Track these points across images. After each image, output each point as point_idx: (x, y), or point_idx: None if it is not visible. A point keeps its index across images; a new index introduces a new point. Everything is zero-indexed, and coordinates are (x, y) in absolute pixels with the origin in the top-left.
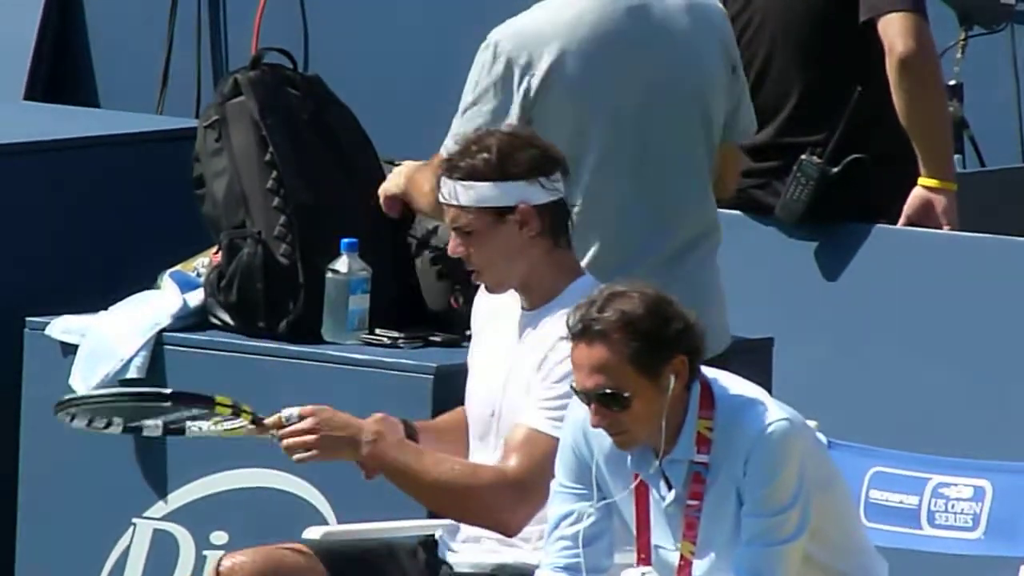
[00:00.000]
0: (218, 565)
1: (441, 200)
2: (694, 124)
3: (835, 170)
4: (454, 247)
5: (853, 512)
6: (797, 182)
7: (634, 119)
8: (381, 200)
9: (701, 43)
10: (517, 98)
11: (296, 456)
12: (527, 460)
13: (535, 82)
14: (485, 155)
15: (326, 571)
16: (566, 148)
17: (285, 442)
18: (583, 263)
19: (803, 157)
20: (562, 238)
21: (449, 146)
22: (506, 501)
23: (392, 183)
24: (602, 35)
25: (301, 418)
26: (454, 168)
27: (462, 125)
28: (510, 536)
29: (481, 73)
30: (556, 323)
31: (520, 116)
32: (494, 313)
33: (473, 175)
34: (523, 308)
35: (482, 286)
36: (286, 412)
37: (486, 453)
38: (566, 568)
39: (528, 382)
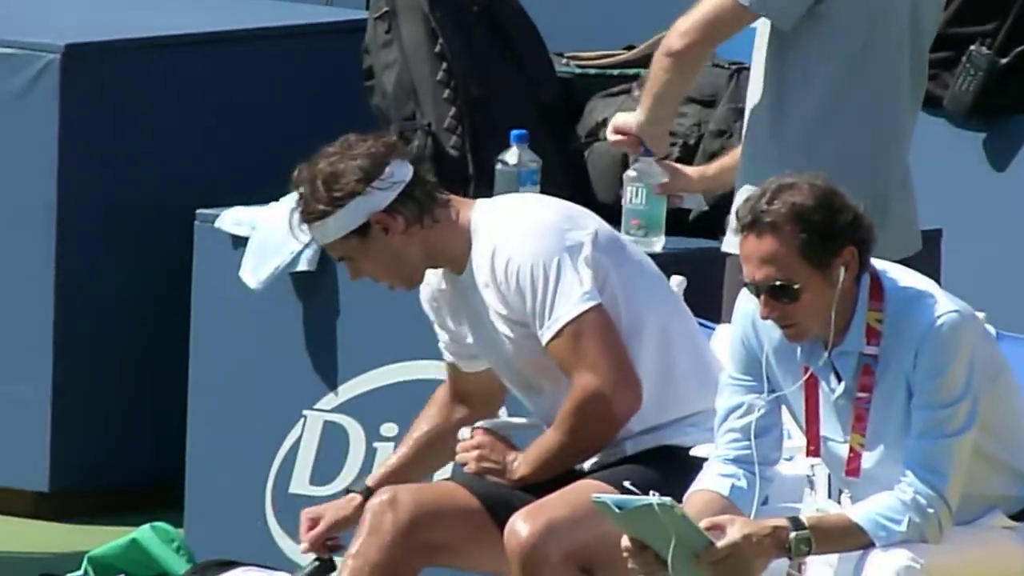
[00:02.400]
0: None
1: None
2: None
3: (1004, 61)
4: (350, 275)
5: (1021, 404)
6: (966, 73)
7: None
8: (610, 130)
9: None
10: None
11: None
12: (587, 356)
13: None
14: (313, 191)
15: (481, 506)
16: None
17: (458, 456)
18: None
19: (972, 48)
20: (434, 209)
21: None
22: (610, 403)
23: (632, 118)
24: None
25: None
26: (300, 214)
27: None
28: (640, 402)
29: None
30: (488, 267)
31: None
32: (442, 302)
33: (314, 215)
34: (456, 276)
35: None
36: (464, 431)
37: (548, 392)
38: (736, 460)
39: (519, 320)
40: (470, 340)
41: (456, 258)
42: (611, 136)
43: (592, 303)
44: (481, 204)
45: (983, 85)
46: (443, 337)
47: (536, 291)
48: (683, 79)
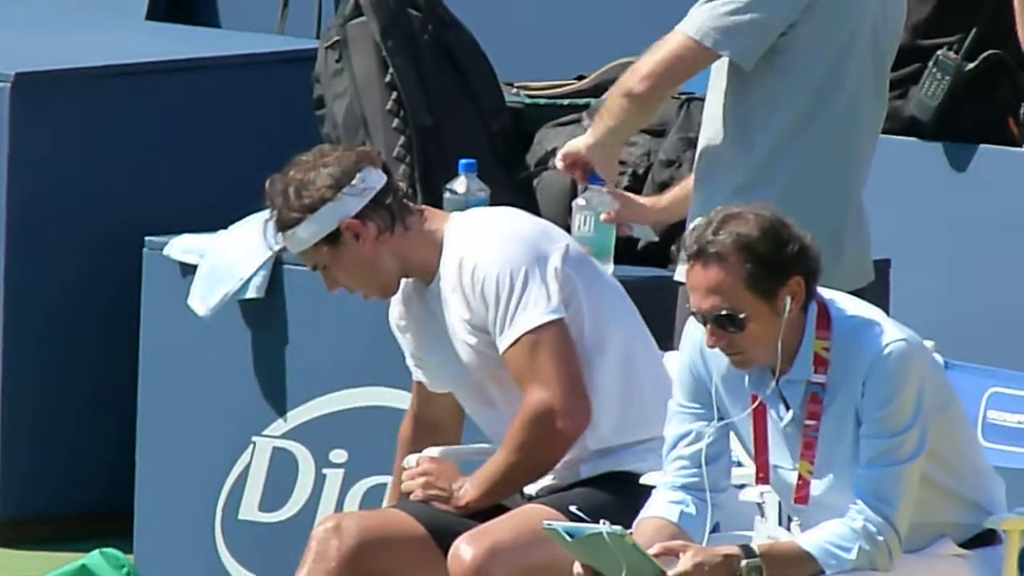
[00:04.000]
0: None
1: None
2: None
3: (971, 65)
4: (327, 285)
5: (970, 433)
6: (932, 78)
7: (871, 40)
8: (560, 157)
9: None
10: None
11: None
12: (540, 369)
13: None
14: (285, 200)
15: (426, 532)
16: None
17: (404, 484)
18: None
19: (939, 53)
20: (406, 217)
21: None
22: (559, 418)
23: (580, 143)
24: None
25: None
26: (274, 223)
27: (711, 20)
28: (589, 422)
29: None
30: (456, 272)
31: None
32: (408, 316)
33: (286, 223)
34: (424, 288)
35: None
36: (410, 458)
37: (502, 407)
38: (684, 487)
39: (480, 327)
40: (433, 355)
41: (427, 267)
42: (559, 163)
43: (554, 316)
44: (455, 215)
45: (949, 90)
46: (408, 355)
47: (500, 298)
48: (641, 119)
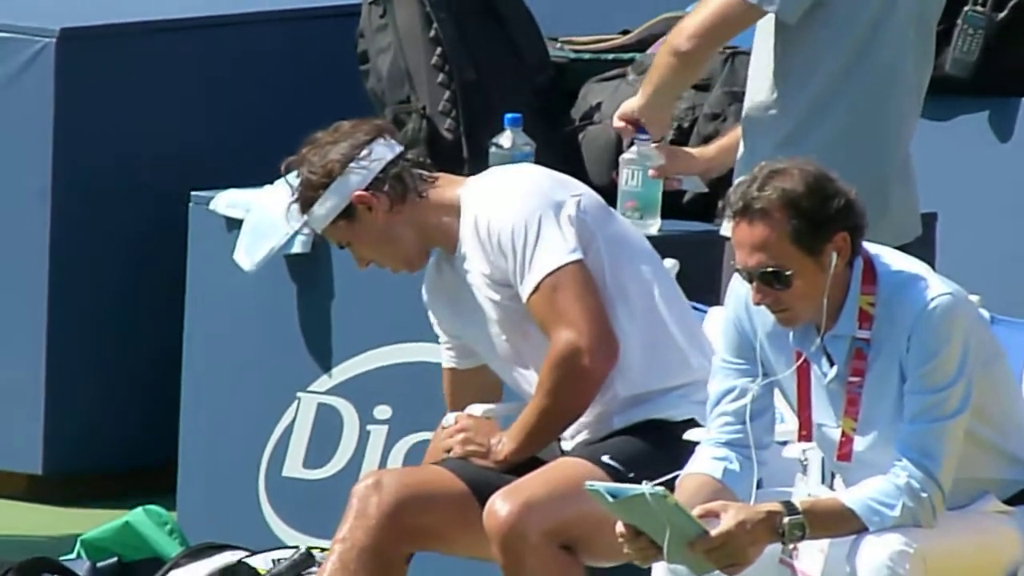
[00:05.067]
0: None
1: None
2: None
3: (1002, 15)
4: (357, 262)
5: (1016, 388)
6: (964, 34)
7: None
8: (617, 116)
9: None
10: None
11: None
12: (563, 312)
13: None
14: (301, 180)
15: (466, 488)
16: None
17: (443, 442)
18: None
19: (966, 8)
20: (420, 186)
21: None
22: (586, 357)
23: (633, 104)
24: None
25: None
26: (297, 208)
27: None
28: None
29: None
30: (473, 230)
31: None
32: (440, 288)
33: (306, 203)
34: (451, 257)
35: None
36: (448, 418)
37: (535, 367)
38: (728, 444)
39: (502, 281)
40: (467, 324)
41: (448, 234)
42: (617, 123)
43: (573, 257)
44: (470, 180)
45: (984, 43)
46: (442, 332)
47: (516, 248)
48: (689, 76)
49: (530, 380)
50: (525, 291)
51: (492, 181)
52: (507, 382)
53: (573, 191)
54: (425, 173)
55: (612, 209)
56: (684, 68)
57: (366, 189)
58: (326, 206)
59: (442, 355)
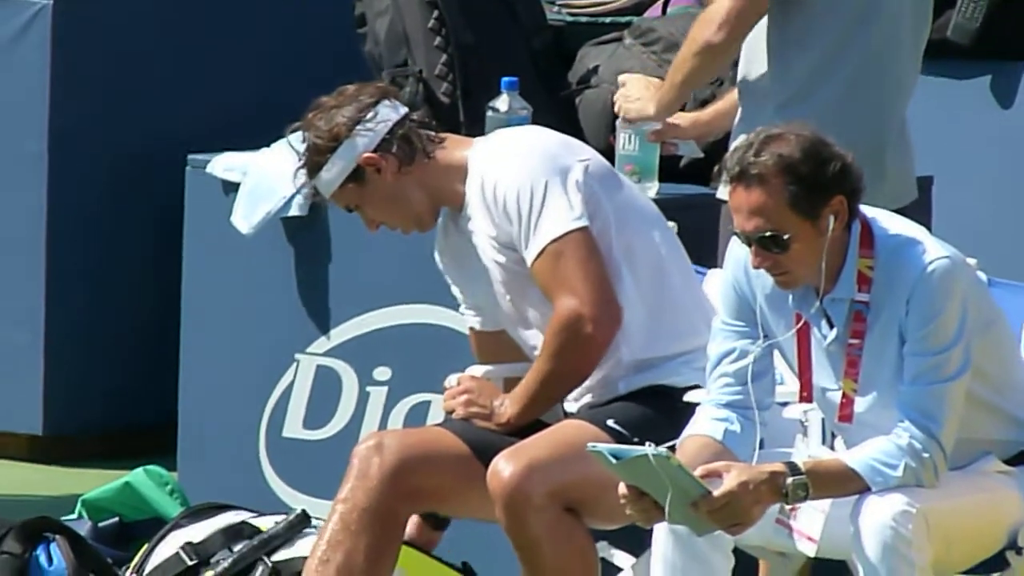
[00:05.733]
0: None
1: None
2: None
3: None
4: (367, 226)
5: (1015, 350)
6: (970, 1)
7: None
8: (619, 117)
9: None
10: None
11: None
12: (567, 278)
13: None
14: (307, 145)
15: (468, 450)
16: None
17: (445, 404)
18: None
19: None
20: (428, 147)
21: None
22: (588, 323)
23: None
24: None
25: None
26: (303, 170)
27: None
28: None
29: None
30: (479, 191)
31: None
32: (448, 249)
33: (312, 168)
34: (458, 216)
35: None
36: (450, 379)
37: (540, 329)
38: (729, 405)
39: (507, 243)
40: (475, 283)
41: (456, 195)
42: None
43: (578, 224)
44: (478, 140)
45: (987, 9)
46: (458, 292)
47: (522, 213)
48: (720, 68)
49: (533, 341)
50: (529, 256)
51: (500, 143)
52: (513, 337)
53: (581, 156)
54: (432, 134)
55: (620, 174)
56: (716, 59)
57: (374, 151)
58: (334, 170)
59: (465, 316)
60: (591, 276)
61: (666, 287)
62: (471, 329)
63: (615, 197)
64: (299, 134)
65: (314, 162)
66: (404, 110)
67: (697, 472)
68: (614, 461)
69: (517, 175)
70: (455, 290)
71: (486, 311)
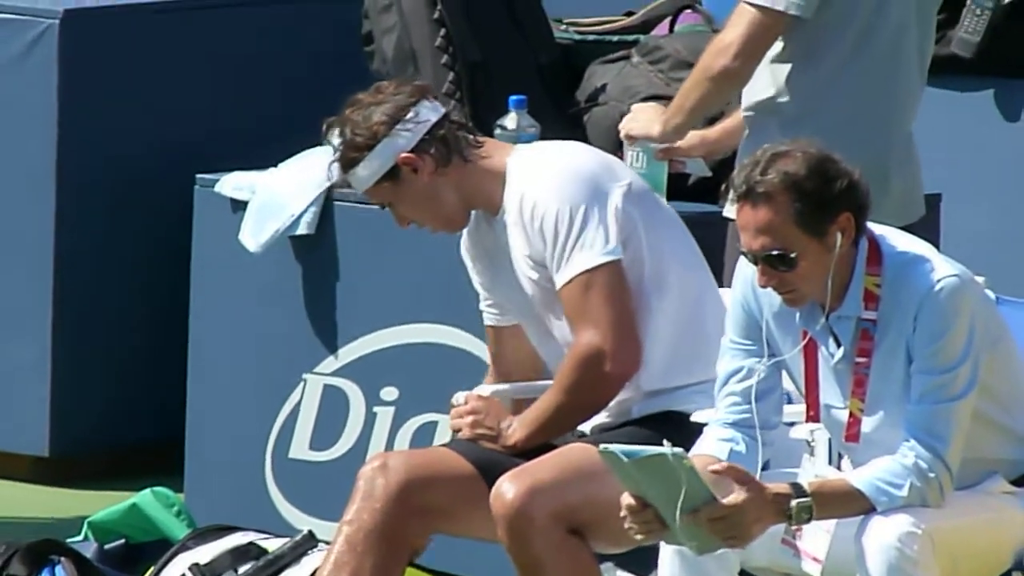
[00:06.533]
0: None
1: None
2: None
3: None
4: (397, 221)
5: (1022, 369)
6: (972, 14)
7: None
8: (623, 134)
9: None
10: None
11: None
12: (592, 311)
13: None
14: (343, 140)
15: (474, 470)
16: None
17: (452, 423)
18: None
19: None
20: (465, 149)
21: None
22: (608, 361)
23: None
24: None
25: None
26: (338, 164)
27: None
28: (639, 366)
29: None
30: (517, 207)
31: None
32: (479, 245)
33: (347, 163)
34: (492, 218)
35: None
36: (458, 396)
37: (562, 342)
38: (735, 424)
39: (540, 262)
40: (501, 285)
41: (491, 199)
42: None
43: (609, 258)
44: (519, 148)
45: (990, 23)
46: (479, 287)
47: (558, 236)
48: (732, 94)
49: (554, 352)
50: (559, 281)
51: (541, 157)
52: (533, 343)
53: (620, 179)
54: (470, 137)
55: (658, 196)
56: (730, 86)
57: (412, 151)
58: (371, 167)
59: (483, 313)
60: (617, 312)
61: (694, 315)
62: (489, 327)
63: (652, 222)
64: (336, 129)
65: (350, 158)
66: (443, 111)
67: (717, 467)
68: (626, 460)
69: (556, 198)
70: (477, 285)
71: (508, 309)
